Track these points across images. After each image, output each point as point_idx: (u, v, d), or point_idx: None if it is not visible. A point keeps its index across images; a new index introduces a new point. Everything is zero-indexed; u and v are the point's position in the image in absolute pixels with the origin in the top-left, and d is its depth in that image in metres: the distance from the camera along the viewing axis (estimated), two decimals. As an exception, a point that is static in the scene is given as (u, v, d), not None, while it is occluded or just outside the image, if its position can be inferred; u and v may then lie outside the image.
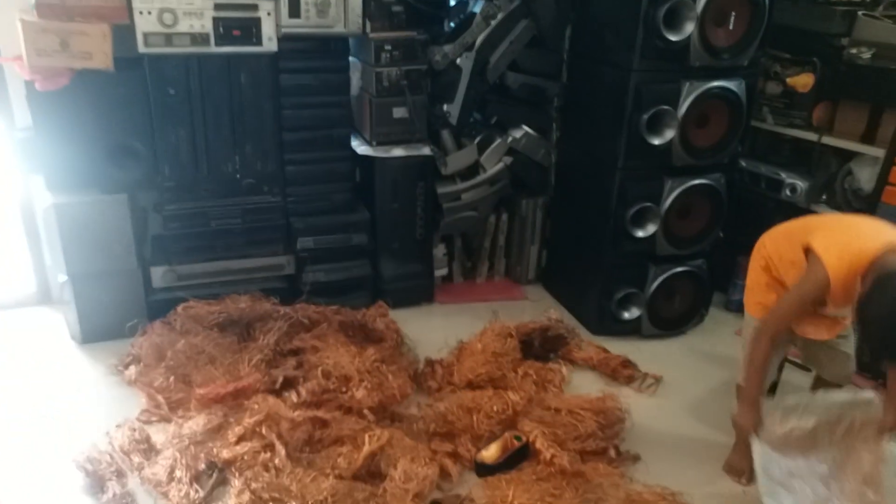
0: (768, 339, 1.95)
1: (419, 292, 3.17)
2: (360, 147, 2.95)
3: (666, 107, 2.59)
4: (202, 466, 2.01)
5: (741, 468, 2.13)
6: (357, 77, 3.01)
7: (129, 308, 2.68)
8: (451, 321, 2.97)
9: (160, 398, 2.32)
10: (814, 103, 2.89)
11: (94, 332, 2.69)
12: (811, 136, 2.90)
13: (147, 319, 2.66)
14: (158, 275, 2.73)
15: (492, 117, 3.27)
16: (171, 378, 2.38)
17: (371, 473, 2.03)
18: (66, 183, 2.60)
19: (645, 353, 2.79)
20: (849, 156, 2.83)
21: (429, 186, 3.01)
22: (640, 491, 2.01)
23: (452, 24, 3.12)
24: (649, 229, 2.76)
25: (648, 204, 2.72)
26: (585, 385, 2.58)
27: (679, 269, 2.86)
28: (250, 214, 2.80)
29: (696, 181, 2.73)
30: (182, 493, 1.90)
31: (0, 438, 2.20)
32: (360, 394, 2.28)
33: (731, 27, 2.57)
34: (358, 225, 2.95)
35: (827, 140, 2.86)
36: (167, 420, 2.25)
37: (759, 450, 1.93)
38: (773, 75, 3.00)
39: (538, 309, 3.06)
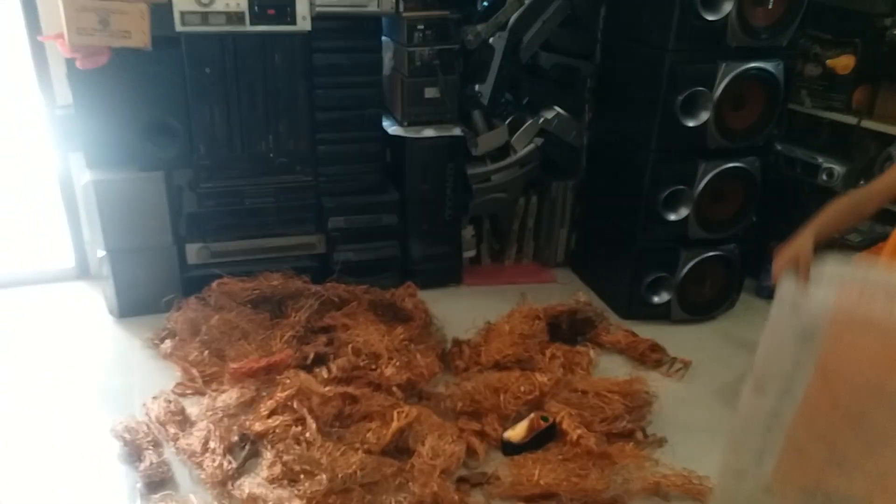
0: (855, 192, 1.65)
1: (447, 273, 3.18)
2: (391, 127, 2.96)
3: (701, 88, 2.54)
4: (235, 438, 2.06)
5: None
6: (389, 57, 3.01)
7: (165, 283, 2.74)
8: (479, 303, 2.98)
9: (195, 371, 2.38)
10: (854, 86, 2.83)
11: (130, 307, 2.76)
12: (850, 120, 2.84)
13: (182, 295, 2.71)
14: (193, 251, 2.79)
15: (524, 98, 3.25)
16: (206, 352, 2.43)
17: (399, 449, 2.07)
18: (104, 160, 2.66)
19: (674, 337, 2.77)
20: (889, 140, 2.76)
21: (459, 167, 3.01)
22: (667, 474, 2.01)
23: (485, 3, 3.10)
24: (681, 212, 2.73)
25: (681, 187, 2.69)
26: (613, 368, 2.58)
27: (710, 253, 2.82)
28: (283, 193, 2.83)
29: (731, 164, 2.68)
30: (216, 464, 1.95)
31: (41, 409, 2.28)
32: (389, 371, 2.31)
33: (770, 6, 2.50)
34: (388, 205, 2.97)
35: (867, 123, 2.79)
36: (201, 393, 2.30)
37: (787, 289, 1.50)
38: (813, 56, 2.93)
39: (567, 292, 3.05)
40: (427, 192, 3.01)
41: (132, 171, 2.64)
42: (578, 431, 2.10)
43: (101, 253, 2.69)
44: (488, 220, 3.32)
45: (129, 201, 2.63)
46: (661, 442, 2.19)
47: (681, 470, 2.02)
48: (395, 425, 2.07)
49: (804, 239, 1.54)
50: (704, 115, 2.58)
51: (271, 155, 2.78)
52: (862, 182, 2.87)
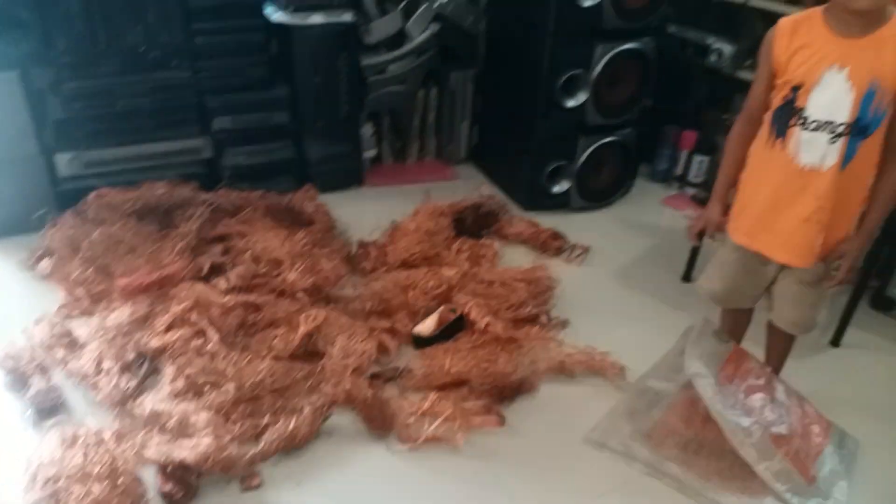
0: (741, 117, 1.81)
1: (348, 175, 3.07)
2: (274, 14, 2.72)
3: (596, -33, 2.48)
4: (131, 357, 1.95)
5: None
6: (267, -65, 2.73)
7: (35, 198, 2.49)
8: (383, 204, 2.90)
9: (79, 291, 2.21)
10: (742, -37, 2.83)
11: (-2, 227, 2.51)
12: (738, -1, 2.86)
13: (56, 210, 2.48)
14: (64, 162, 2.53)
15: (417, -19, 3.06)
16: (90, 270, 2.26)
17: (309, 353, 2.03)
18: (-58, 61, 2.32)
19: (574, 225, 2.84)
20: (775, 18, 2.80)
21: (352, 58, 2.84)
22: (571, 352, 2.09)
23: None
24: (579, 98, 2.72)
25: (579, 71, 2.66)
26: (517, 258, 2.62)
27: (607, 139, 2.86)
28: (159, 92, 2.58)
29: (627, 46, 2.67)
30: (112, 384, 1.84)
31: None
32: (292, 276, 2.24)
33: None
34: (277, 102, 2.79)
35: (754, 2, 2.82)
36: (89, 313, 2.15)
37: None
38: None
39: (470, 188, 3.01)
40: (319, 87, 2.83)
41: (-22, 73, 2.33)
42: (486, 319, 2.14)
43: (-46, 168, 2.40)
44: (388, 117, 3.20)
45: (-22, 107, 2.33)
46: (564, 324, 2.27)
47: (583, 347, 2.11)
48: (302, 329, 2.03)
49: (712, 208, 1.84)
50: (600, -5, 2.53)
51: (142, 48, 2.51)
52: (749, 62, 2.94)
